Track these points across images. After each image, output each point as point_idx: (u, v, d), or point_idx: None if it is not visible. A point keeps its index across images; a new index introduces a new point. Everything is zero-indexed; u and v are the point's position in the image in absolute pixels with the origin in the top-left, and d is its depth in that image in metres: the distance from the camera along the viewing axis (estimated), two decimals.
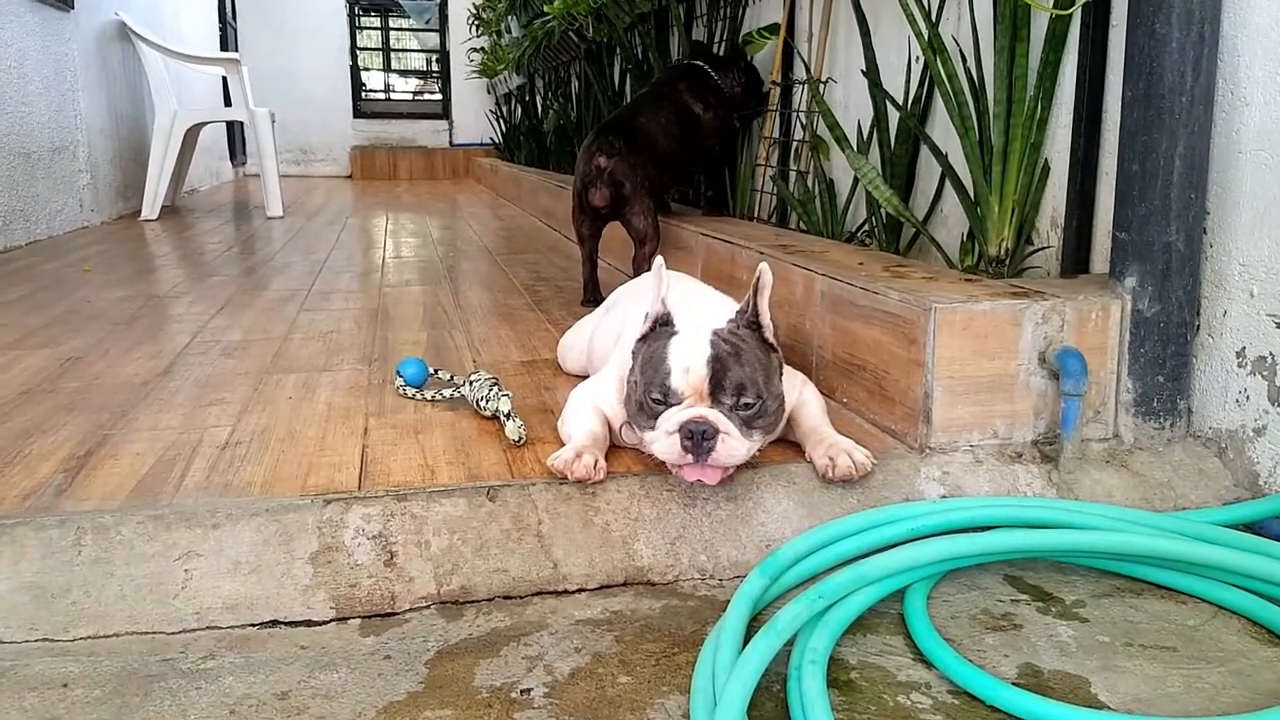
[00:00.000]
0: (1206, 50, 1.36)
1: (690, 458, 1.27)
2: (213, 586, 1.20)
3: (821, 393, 1.70)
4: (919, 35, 1.84)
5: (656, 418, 1.30)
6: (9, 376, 1.95)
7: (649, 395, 1.31)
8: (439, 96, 10.91)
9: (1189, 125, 1.37)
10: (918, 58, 2.16)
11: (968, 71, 1.85)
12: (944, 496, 1.39)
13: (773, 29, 2.85)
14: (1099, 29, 1.64)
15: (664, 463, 1.35)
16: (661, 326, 1.39)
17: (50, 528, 1.23)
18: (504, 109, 8.99)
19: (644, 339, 1.40)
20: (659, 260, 1.38)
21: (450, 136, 10.61)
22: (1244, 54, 1.37)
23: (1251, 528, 1.32)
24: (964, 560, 1.24)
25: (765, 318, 1.39)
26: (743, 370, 1.30)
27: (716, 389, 1.29)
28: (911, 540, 1.29)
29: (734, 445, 1.27)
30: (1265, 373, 1.37)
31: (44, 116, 4.38)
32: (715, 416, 1.27)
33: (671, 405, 1.29)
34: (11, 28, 4.09)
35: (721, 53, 3.09)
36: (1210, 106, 1.39)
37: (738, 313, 1.41)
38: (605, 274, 3.14)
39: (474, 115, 10.42)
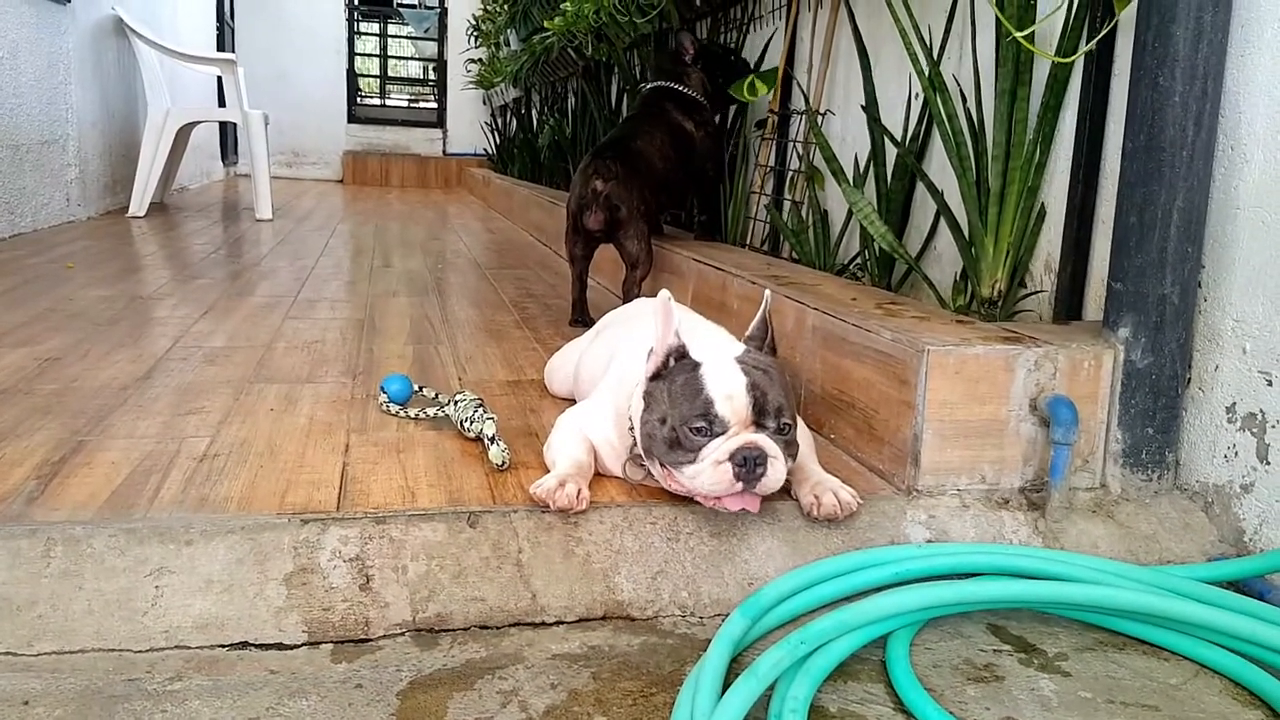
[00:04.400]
0: (1209, 105, 1.35)
1: (739, 486, 1.25)
2: (183, 605, 1.17)
3: (810, 428, 1.69)
4: (920, 73, 1.84)
5: (698, 450, 1.27)
6: None
7: (689, 427, 1.27)
8: (434, 105, 10.90)
9: (1188, 179, 1.36)
10: (918, 94, 2.15)
11: (967, 111, 1.85)
12: (929, 540, 1.38)
13: (770, 76, 2.84)
14: (1101, 76, 1.64)
15: (663, 491, 1.34)
16: (679, 360, 1.36)
17: (19, 537, 1.20)
18: (499, 121, 8.98)
19: (658, 376, 1.36)
20: (665, 294, 1.36)
21: (444, 145, 10.59)
22: (1245, 110, 1.37)
23: (1236, 586, 1.32)
24: (948, 609, 1.22)
25: (775, 345, 1.40)
26: (779, 394, 1.29)
27: (760, 414, 1.27)
28: (896, 584, 1.28)
29: (780, 469, 1.27)
30: (1255, 430, 1.36)
31: (34, 109, 4.34)
32: (765, 441, 1.26)
33: (717, 434, 1.27)
34: (6, 19, 4.05)
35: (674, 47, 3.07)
36: (1210, 161, 1.39)
37: (748, 339, 1.40)
38: (595, 294, 3.13)
39: (468, 125, 10.41)
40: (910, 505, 1.42)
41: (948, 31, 2.00)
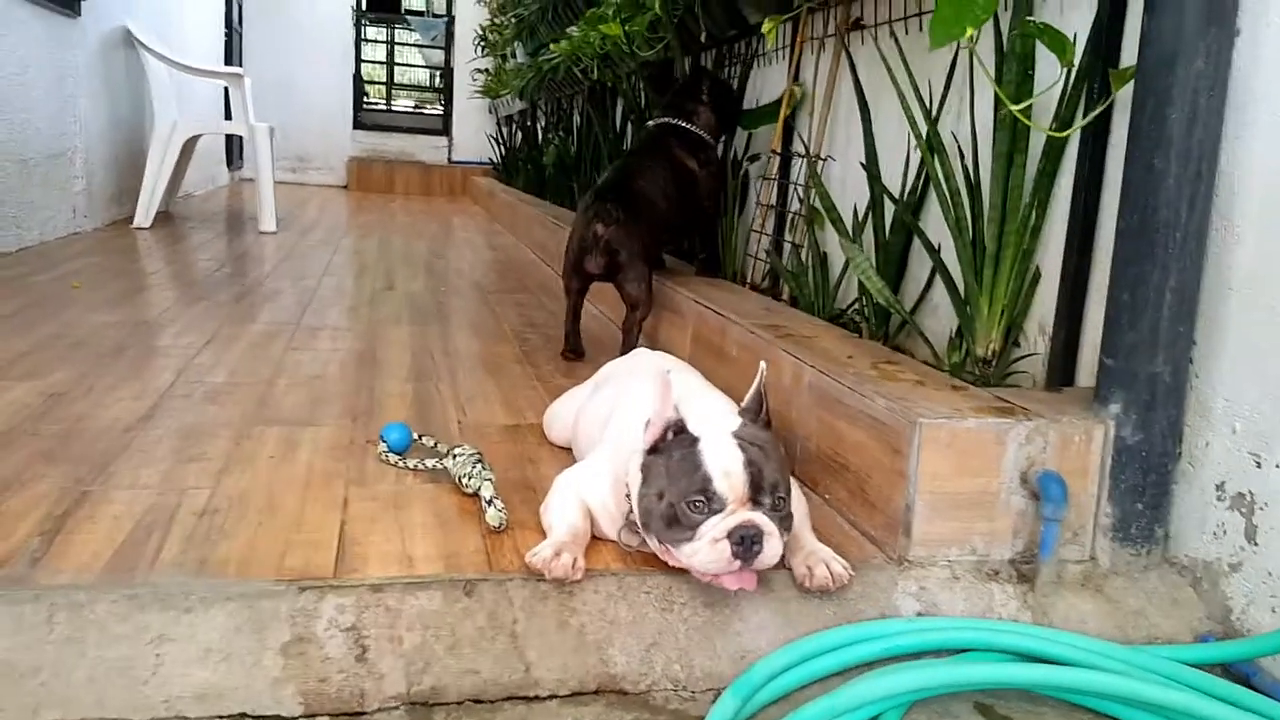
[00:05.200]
0: (1203, 187, 1.37)
1: (738, 564, 1.26)
2: (183, 674, 1.19)
3: (804, 486, 1.71)
4: (918, 136, 1.86)
5: (695, 527, 1.28)
6: None
7: (687, 503, 1.29)
8: (440, 112, 10.92)
9: (1181, 260, 1.38)
10: (917, 147, 2.17)
11: (965, 170, 1.87)
12: (920, 613, 1.39)
13: (772, 112, 2.87)
14: (1098, 146, 1.66)
15: (658, 558, 1.36)
16: (677, 435, 1.37)
17: (24, 603, 1.22)
18: (504, 131, 9.01)
19: (655, 450, 1.37)
20: (664, 371, 1.37)
21: (449, 153, 10.61)
22: (1239, 192, 1.39)
23: (1224, 668, 1.33)
24: (936, 690, 1.24)
25: (771, 419, 1.41)
26: (774, 471, 1.31)
27: (756, 491, 1.29)
28: (887, 660, 1.30)
29: (776, 545, 1.28)
30: (1243, 510, 1.38)
31: (43, 123, 4.37)
32: (762, 519, 1.27)
33: (714, 511, 1.28)
34: (18, 34, 4.08)
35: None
36: (1203, 241, 1.41)
37: (743, 411, 1.41)
38: (597, 324, 3.15)
39: (474, 134, 10.43)
40: (901, 576, 1.43)
41: (947, 88, 2.02)
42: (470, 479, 1.62)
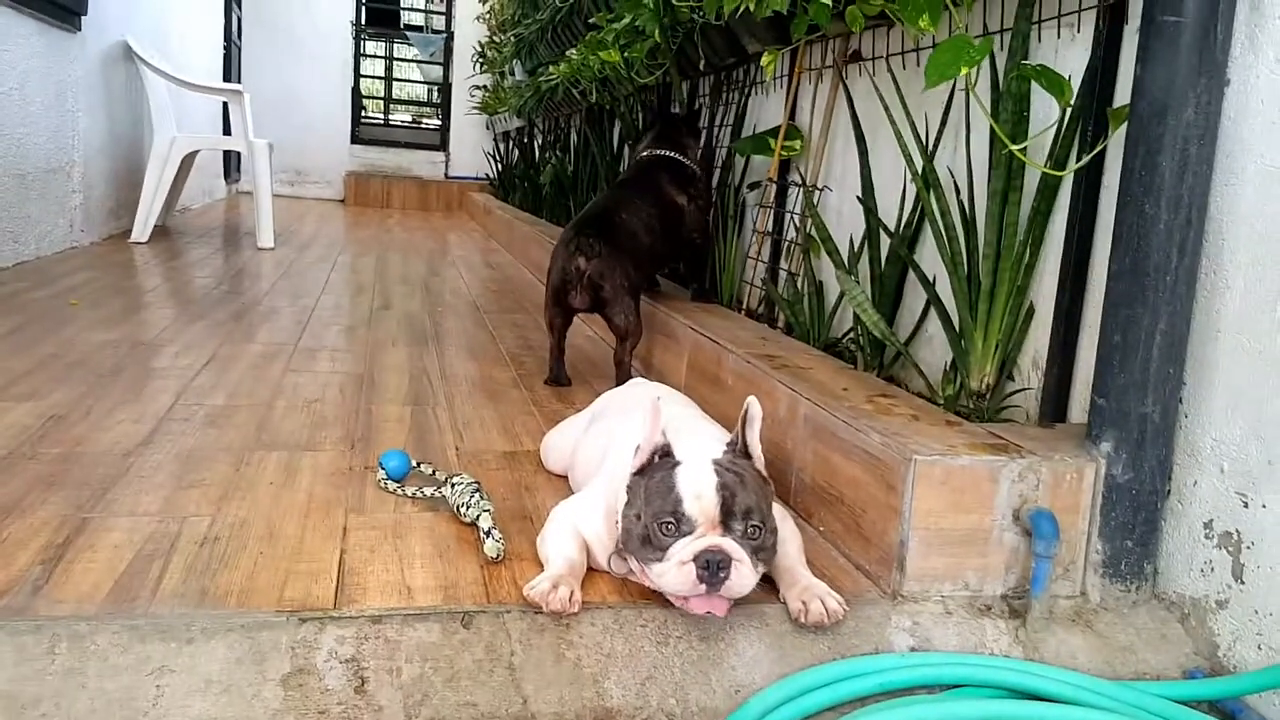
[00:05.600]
0: (1193, 233, 1.40)
1: (703, 588, 1.28)
2: (183, 705, 1.20)
3: (799, 518, 1.73)
4: (914, 171, 1.88)
5: (666, 549, 1.31)
6: None
7: (659, 523, 1.32)
8: (438, 124, 10.96)
9: (1171, 304, 1.41)
10: (913, 181, 2.20)
11: (960, 204, 1.89)
12: (913, 648, 1.41)
13: (767, 143, 2.89)
14: (1091, 187, 1.68)
15: (654, 591, 1.37)
16: (661, 458, 1.40)
17: (25, 633, 1.23)
18: (501, 148, 9.05)
19: (641, 472, 1.41)
20: (654, 394, 1.40)
21: (446, 169, 10.65)
22: (1228, 238, 1.42)
23: (1212, 704, 1.35)
24: None
25: (756, 449, 1.42)
26: (749, 496, 1.33)
27: (728, 516, 1.31)
28: (880, 695, 1.32)
29: (745, 574, 1.29)
30: (1230, 548, 1.40)
31: (42, 138, 4.38)
32: (729, 545, 1.29)
33: (684, 533, 1.31)
34: (18, 49, 4.10)
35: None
36: (1193, 285, 1.43)
37: (729, 444, 1.44)
38: (590, 344, 3.17)
39: (471, 149, 10.47)
40: (895, 611, 1.45)
41: (944, 123, 2.05)
42: (468, 508, 1.64)
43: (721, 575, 1.28)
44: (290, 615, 1.31)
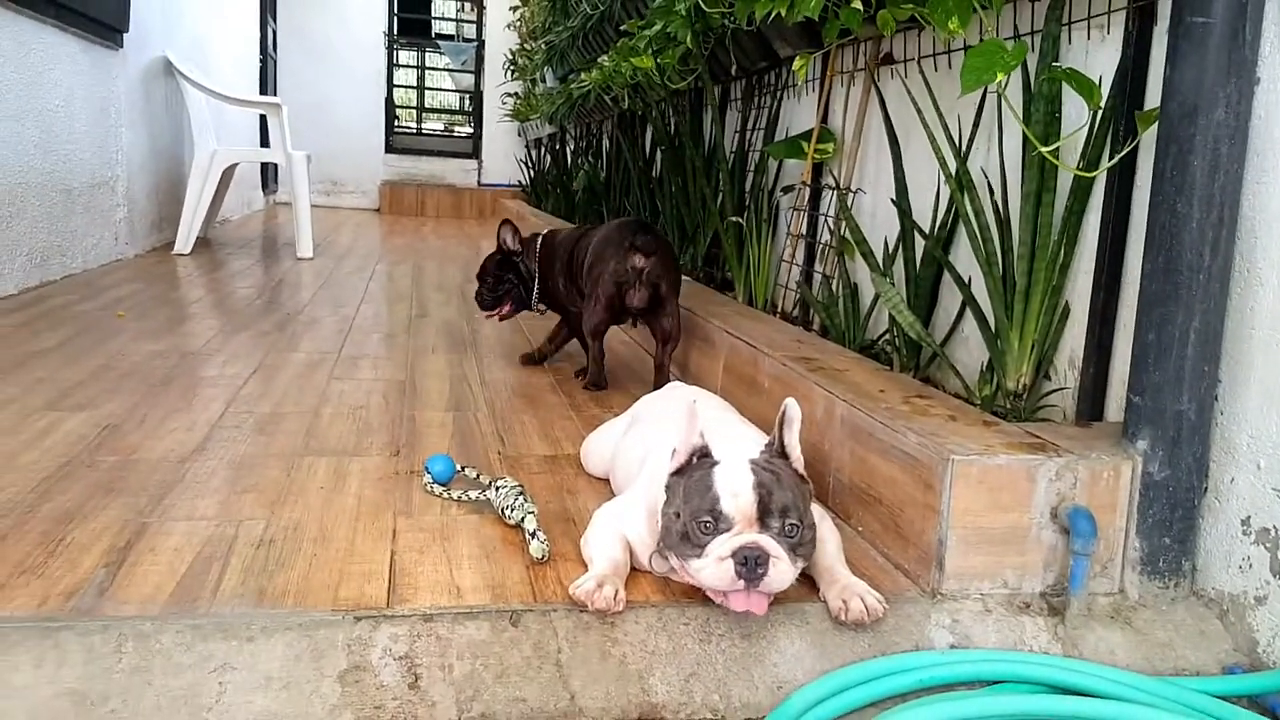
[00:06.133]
0: (1225, 232, 1.41)
1: (742, 584, 1.31)
2: (245, 701, 1.25)
3: (837, 518, 1.75)
4: (947, 174, 1.90)
5: (704, 546, 1.34)
6: (50, 443, 2.01)
7: (696, 521, 1.35)
8: (470, 132, 11.06)
9: (1205, 302, 1.42)
10: (946, 182, 2.22)
11: (994, 205, 1.91)
12: (953, 645, 1.43)
13: (799, 147, 2.92)
14: (1124, 186, 1.70)
15: (696, 590, 1.40)
16: (700, 458, 1.44)
17: (93, 633, 1.28)
18: (533, 154, 9.12)
19: (680, 472, 1.44)
20: (690, 398, 1.43)
21: (479, 176, 10.74)
22: (1260, 236, 1.43)
23: (1252, 700, 1.36)
24: None
25: (795, 451, 1.45)
26: (786, 495, 1.36)
27: (764, 513, 1.34)
28: (921, 691, 1.34)
29: (784, 569, 1.32)
30: (1268, 544, 1.41)
31: (87, 153, 4.49)
32: (766, 541, 1.32)
33: (721, 531, 1.34)
34: (63, 68, 4.20)
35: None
36: (1227, 283, 1.45)
37: (767, 445, 1.46)
38: (627, 349, 3.20)
39: (503, 157, 10.56)
40: (934, 609, 1.47)
41: (976, 125, 2.07)
42: (513, 511, 1.68)
43: (760, 571, 1.30)
44: (346, 614, 1.35)
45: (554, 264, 2.89)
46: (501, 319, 3.10)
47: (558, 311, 3.06)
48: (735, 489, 1.35)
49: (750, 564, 1.30)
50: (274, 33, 9.86)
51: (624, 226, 2.62)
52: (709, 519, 1.34)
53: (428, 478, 1.88)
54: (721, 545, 1.33)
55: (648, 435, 1.74)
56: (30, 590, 1.38)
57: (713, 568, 1.32)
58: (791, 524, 1.35)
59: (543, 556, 1.56)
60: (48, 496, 1.73)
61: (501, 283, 3.01)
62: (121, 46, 4.88)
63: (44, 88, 4.01)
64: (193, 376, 2.65)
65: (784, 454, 1.45)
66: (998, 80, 1.55)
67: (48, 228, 4.05)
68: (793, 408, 1.45)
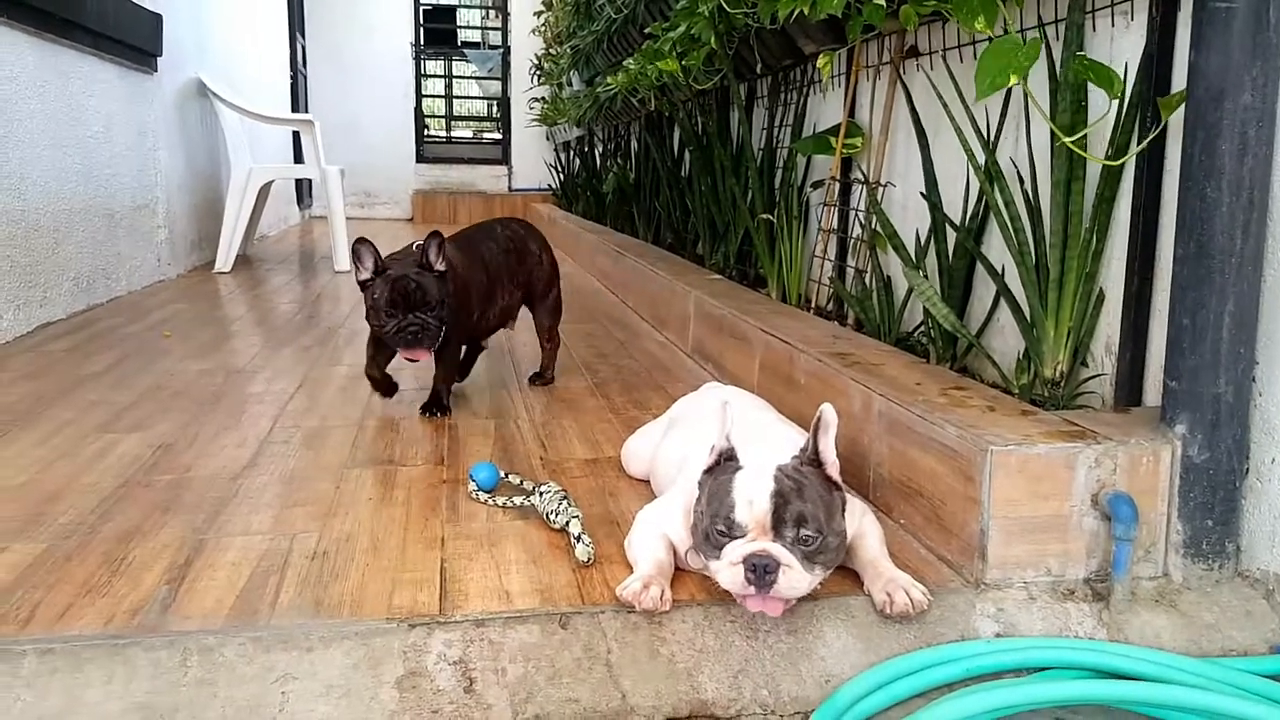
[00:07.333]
0: (1256, 215, 1.42)
1: (752, 589, 1.34)
2: (307, 709, 1.29)
3: (878, 511, 1.77)
4: (976, 166, 1.91)
5: (721, 548, 1.37)
6: (107, 464, 2.07)
7: (714, 527, 1.38)
8: (499, 138, 11.14)
9: (1238, 285, 1.42)
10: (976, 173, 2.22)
11: (1025, 194, 1.92)
12: (998, 634, 1.45)
13: (827, 142, 2.93)
14: (1153, 172, 1.70)
15: (728, 591, 1.43)
16: (726, 461, 1.46)
17: (159, 648, 1.33)
18: (562, 158, 9.16)
19: (710, 471, 1.48)
20: (724, 398, 1.46)
21: (509, 182, 10.81)
22: None
23: None
24: (1018, 708, 1.29)
25: (828, 455, 1.46)
26: (804, 505, 1.37)
27: (778, 522, 1.36)
28: (968, 680, 1.36)
29: (795, 578, 1.34)
30: None
31: (127, 177, 4.58)
32: (777, 550, 1.34)
33: (736, 537, 1.37)
34: (102, 94, 4.29)
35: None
36: (1260, 266, 1.45)
37: (801, 450, 1.48)
38: (663, 350, 3.22)
39: (533, 161, 10.62)
40: (979, 599, 1.49)
41: (1004, 115, 2.07)
42: (558, 515, 1.71)
43: (769, 578, 1.33)
44: (400, 622, 1.39)
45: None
46: None
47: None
48: (751, 496, 1.37)
49: (759, 571, 1.33)
50: (303, 49, 9.98)
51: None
52: (723, 525, 1.37)
53: (473, 485, 1.91)
54: (734, 551, 1.35)
55: (686, 437, 1.77)
56: (97, 609, 1.43)
57: (726, 571, 1.36)
58: (807, 534, 1.36)
59: (588, 560, 1.59)
60: (108, 517, 1.78)
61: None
62: (156, 70, 4.97)
63: (84, 115, 4.10)
64: (240, 394, 2.71)
65: (817, 460, 1.46)
66: (1012, 83, 1.56)
67: (92, 252, 4.14)
68: (828, 413, 1.45)
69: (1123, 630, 1.46)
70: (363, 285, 2.45)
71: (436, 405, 2.54)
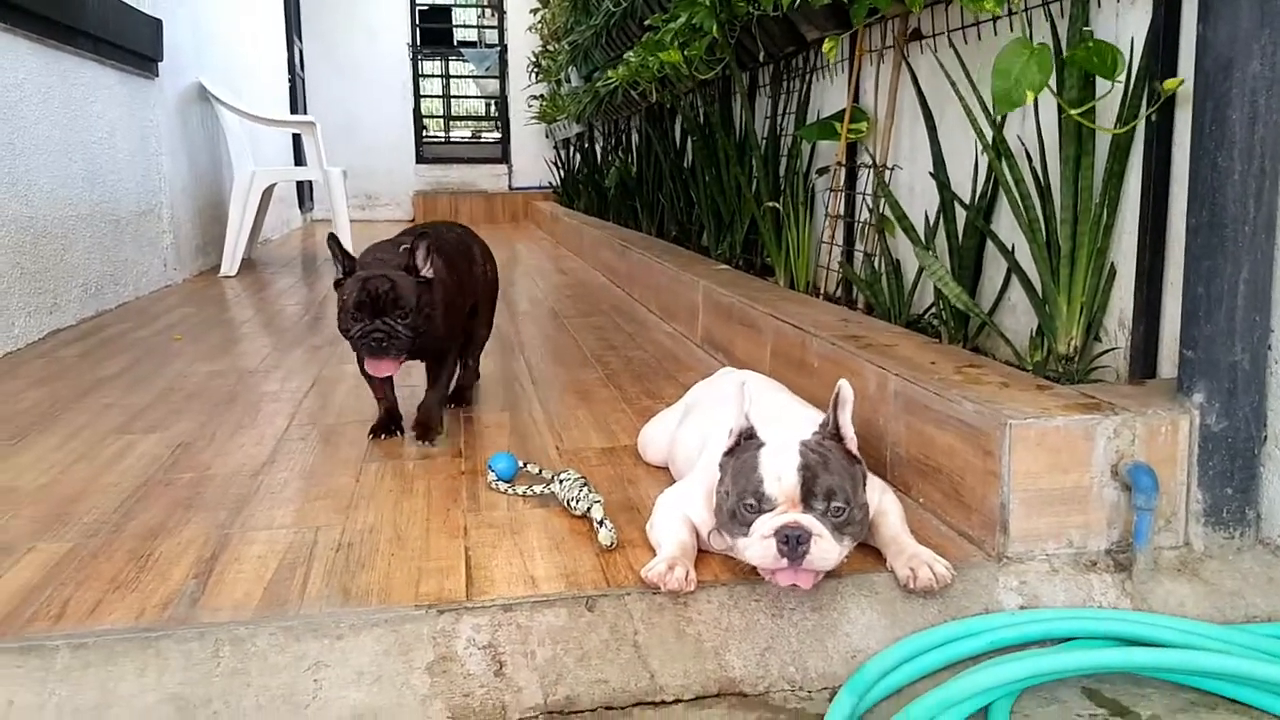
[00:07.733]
0: (1268, 183, 1.42)
1: (785, 561, 1.35)
2: (340, 696, 1.30)
3: (897, 490, 1.77)
4: (984, 144, 1.92)
5: (750, 525, 1.38)
6: (126, 464, 2.08)
7: (742, 503, 1.39)
8: (498, 137, 11.14)
9: (1252, 253, 1.43)
10: (984, 151, 2.23)
11: (1034, 171, 1.92)
12: (1022, 606, 1.46)
13: (832, 128, 2.93)
14: (1162, 146, 1.71)
15: (754, 569, 1.43)
16: (747, 440, 1.47)
17: (191, 640, 1.34)
18: (562, 155, 9.17)
19: (730, 452, 1.49)
20: (742, 379, 1.47)
21: (509, 180, 10.82)
22: None
23: None
24: (1044, 678, 1.30)
25: (847, 431, 1.47)
26: (831, 477, 1.39)
27: (808, 495, 1.37)
28: (993, 652, 1.37)
29: (827, 548, 1.35)
30: None
31: (131, 183, 4.59)
32: (809, 520, 1.35)
33: (765, 511, 1.38)
34: (104, 100, 4.30)
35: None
36: (1273, 233, 1.46)
37: (820, 425, 1.49)
38: (673, 341, 3.23)
39: (533, 159, 10.63)
40: (1001, 572, 1.50)
41: None
42: (579, 501, 1.72)
43: (801, 549, 1.34)
44: (429, 608, 1.40)
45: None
46: None
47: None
48: (779, 472, 1.38)
49: (792, 542, 1.33)
50: (301, 52, 9.99)
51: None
52: (753, 500, 1.38)
53: (492, 475, 1.92)
54: (764, 524, 1.36)
55: (704, 421, 1.78)
56: (127, 604, 1.44)
57: (757, 545, 1.36)
58: (837, 506, 1.37)
59: (611, 544, 1.60)
60: (131, 515, 1.79)
61: None
62: (157, 75, 4.98)
63: (88, 120, 4.11)
64: (254, 394, 2.72)
65: (838, 435, 1.48)
66: (1029, 100, 1.58)
67: (100, 258, 4.15)
68: (845, 389, 1.47)
69: (1146, 600, 1.47)
70: (336, 285, 2.21)
71: (427, 430, 2.25)
